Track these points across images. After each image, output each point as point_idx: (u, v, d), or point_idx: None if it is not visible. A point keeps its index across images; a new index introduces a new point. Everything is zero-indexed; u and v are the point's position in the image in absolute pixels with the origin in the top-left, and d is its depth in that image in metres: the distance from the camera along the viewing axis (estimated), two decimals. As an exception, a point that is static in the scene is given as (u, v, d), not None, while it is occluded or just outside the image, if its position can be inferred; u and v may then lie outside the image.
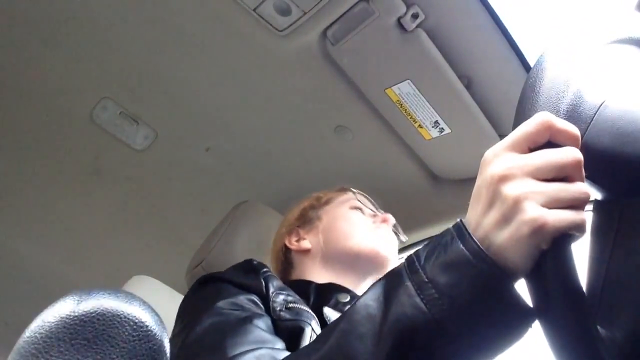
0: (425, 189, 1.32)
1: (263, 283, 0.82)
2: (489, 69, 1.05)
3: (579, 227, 0.39)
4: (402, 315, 0.42)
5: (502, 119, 1.12)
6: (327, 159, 1.36)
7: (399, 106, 1.12)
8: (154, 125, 1.33)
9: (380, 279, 0.48)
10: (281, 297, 0.79)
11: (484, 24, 0.98)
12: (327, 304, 0.84)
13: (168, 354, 0.50)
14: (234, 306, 0.74)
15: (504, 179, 0.41)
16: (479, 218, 0.43)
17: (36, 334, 0.45)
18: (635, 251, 0.43)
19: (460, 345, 0.41)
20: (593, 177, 0.43)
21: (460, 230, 0.43)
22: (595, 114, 0.43)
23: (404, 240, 1.12)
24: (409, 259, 0.46)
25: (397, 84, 1.07)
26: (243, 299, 0.77)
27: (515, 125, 0.44)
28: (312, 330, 0.74)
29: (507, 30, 0.99)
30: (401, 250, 1.45)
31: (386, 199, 1.38)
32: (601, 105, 0.43)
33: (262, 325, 0.70)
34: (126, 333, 0.46)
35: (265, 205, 1.25)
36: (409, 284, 0.43)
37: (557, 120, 0.41)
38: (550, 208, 0.39)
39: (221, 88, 1.21)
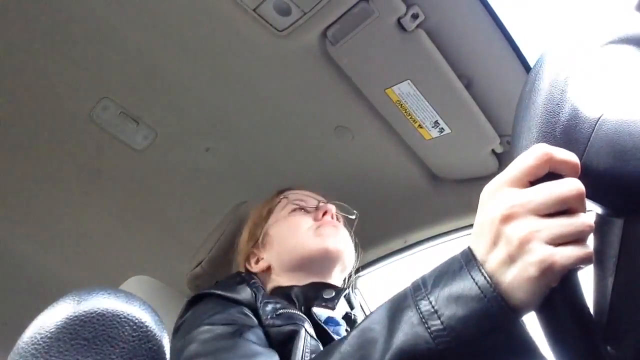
0: (425, 189, 1.32)
1: (252, 294, 0.83)
2: (489, 69, 1.05)
3: (586, 261, 0.39)
4: (405, 343, 0.42)
5: (502, 119, 1.12)
6: (327, 159, 1.35)
7: (399, 106, 1.12)
8: (154, 125, 1.33)
9: (385, 302, 0.48)
10: (270, 306, 0.80)
11: (484, 24, 0.98)
12: (314, 304, 0.85)
13: (168, 354, 0.50)
14: (225, 321, 0.75)
15: (507, 218, 0.40)
16: (484, 255, 0.42)
17: (36, 334, 0.45)
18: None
19: None
20: (594, 197, 0.42)
21: (469, 260, 0.43)
22: (592, 131, 0.42)
23: (354, 217, 1.12)
24: (414, 283, 0.46)
25: (397, 84, 1.07)
26: (234, 312, 0.78)
27: (514, 126, 0.44)
28: (305, 332, 0.74)
29: (507, 30, 0.99)
30: (402, 250, 1.45)
31: (386, 199, 1.38)
32: (599, 120, 0.43)
33: (252, 338, 0.71)
34: (126, 333, 0.46)
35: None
36: (414, 311, 0.43)
37: (556, 151, 0.40)
38: (556, 245, 0.39)
39: (221, 88, 1.21)
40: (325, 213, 1.00)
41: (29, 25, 1.10)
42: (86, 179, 1.43)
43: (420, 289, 0.45)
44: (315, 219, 1.00)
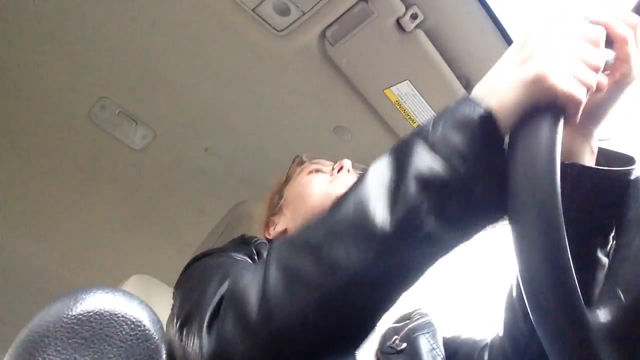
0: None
1: (255, 251, 0.80)
2: (487, 69, 1.05)
3: (574, 100, 0.41)
4: (419, 172, 0.43)
5: (500, 120, 1.12)
6: (326, 159, 1.35)
7: (398, 106, 1.12)
8: (153, 125, 1.33)
9: (384, 156, 0.50)
10: None
11: (483, 24, 0.98)
12: None
13: (165, 354, 0.50)
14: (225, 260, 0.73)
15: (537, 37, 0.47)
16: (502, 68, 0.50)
17: (34, 333, 0.45)
18: None
19: (471, 194, 0.42)
20: None
21: (464, 99, 0.47)
22: None
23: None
24: (414, 131, 0.48)
25: (395, 84, 1.07)
26: (235, 255, 0.76)
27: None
28: None
29: (506, 31, 0.99)
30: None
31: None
32: None
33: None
34: (124, 332, 0.46)
35: (264, 205, 1.25)
36: (421, 145, 0.44)
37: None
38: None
39: (220, 88, 1.21)
40: (341, 169, 0.96)
41: (28, 24, 1.10)
42: (85, 178, 1.43)
43: (422, 130, 0.46)
44: (331, 175, 0.96)
